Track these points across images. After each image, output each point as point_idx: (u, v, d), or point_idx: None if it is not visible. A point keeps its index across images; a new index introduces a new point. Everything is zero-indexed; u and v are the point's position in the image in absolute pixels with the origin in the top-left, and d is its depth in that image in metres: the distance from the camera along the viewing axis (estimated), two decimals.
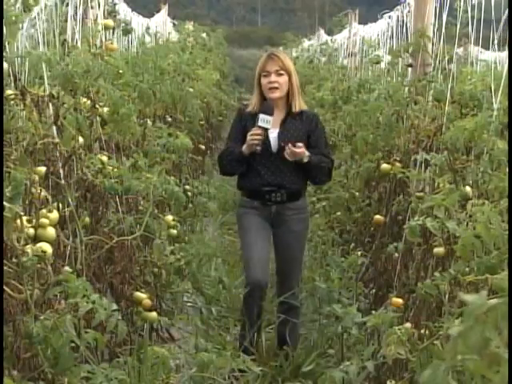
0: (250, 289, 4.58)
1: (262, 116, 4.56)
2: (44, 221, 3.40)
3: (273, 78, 4.62)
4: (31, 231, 3.25)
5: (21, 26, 3.66)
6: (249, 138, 4.58)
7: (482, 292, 1.20)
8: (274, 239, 4.78)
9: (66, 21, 4.71)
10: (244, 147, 4.62)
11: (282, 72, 4.63)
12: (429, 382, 1.29)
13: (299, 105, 4.72)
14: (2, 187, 2.70)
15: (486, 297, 1.19)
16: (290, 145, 4.53)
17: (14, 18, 3.21)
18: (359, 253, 5.97)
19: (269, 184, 4.66)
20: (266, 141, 4.62)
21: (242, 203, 4.84)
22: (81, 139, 4.35)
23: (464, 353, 1.19)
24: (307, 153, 4.58)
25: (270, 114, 4.57)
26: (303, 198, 4.83)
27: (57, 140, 4.05)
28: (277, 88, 4.63)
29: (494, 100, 4.06)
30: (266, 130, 4.58)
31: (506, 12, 3.89)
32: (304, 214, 4.81)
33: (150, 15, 10.96)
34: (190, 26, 15.82)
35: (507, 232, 2.88)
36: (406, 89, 5.70)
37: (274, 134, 4.66)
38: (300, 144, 4.56)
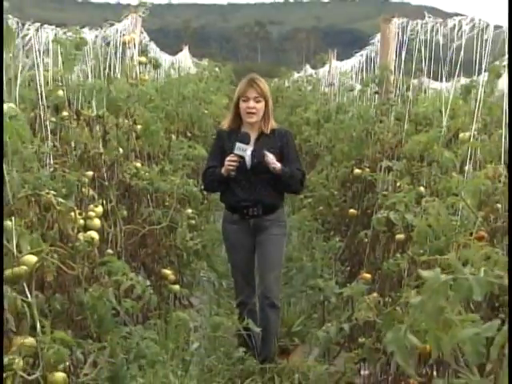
0: (241, 308, 4.24)
1: (238, 145, 4.02)
2: (91, 214, 3.41)
3: (251, 104, 4.07)
4: (82, 222, 3.25)
5: (75, 62, 3.67)
6: (226, 163, 4.05)
7: (436, 269, 1.19)
8: (255, 244, 4.20)
9: (110, 58, 4.72)
10: (222, 170, 4.08)
11: (260, 99, 4.08)
12: (391, 343, 1.28)
13: (270, 125, 4.15)
14: (2, 187, 2.65)
15: (439, 273, 1.18)
16: (266, 152, 4.06)
17: (71, 56, 3.21)
18: (337, 238, 5.99)
19: (245, 200, 4.10)
20: (241, 159, 4.07)
21: (225, 216, 4.27)
22: (121, 150, 4.36)
23: (422, 320, 1.18)
24: (279, 164, 4.07)
25: (247, 143, 4.05)
26: (280, 209, 4.22)
27: (102, 151, 4.06)
28: (254, 113, 4.09)
29: (442, 119, 4.06)
30: (241, 157, 4.05)
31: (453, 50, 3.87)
32: (282, 223, 4.21)
33: (174, 53, 10.96)
34: (205, 62, 15.79)
35: (452, 222, 2.89)
36: (374, 111, 5.70)
37: (248, 152, 4.07)
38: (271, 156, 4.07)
